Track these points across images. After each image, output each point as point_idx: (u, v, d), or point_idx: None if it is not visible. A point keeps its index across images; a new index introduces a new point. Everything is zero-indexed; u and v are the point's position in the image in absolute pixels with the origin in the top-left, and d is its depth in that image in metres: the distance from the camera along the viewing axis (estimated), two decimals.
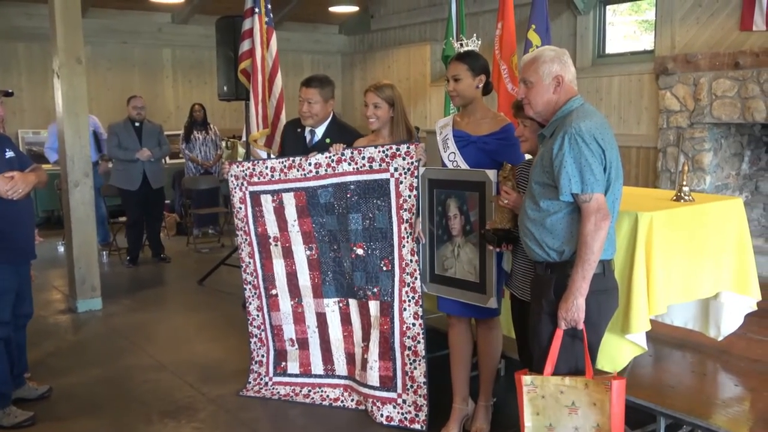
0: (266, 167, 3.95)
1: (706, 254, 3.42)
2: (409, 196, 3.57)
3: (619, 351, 3.20)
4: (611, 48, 8.37)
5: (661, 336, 3.80)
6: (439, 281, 3.48)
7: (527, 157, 3.23)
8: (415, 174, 3.54)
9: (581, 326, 2.58)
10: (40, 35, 8.32)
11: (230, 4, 8.82)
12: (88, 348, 5.01)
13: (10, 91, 4.47)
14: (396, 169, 3.58)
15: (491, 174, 3.15)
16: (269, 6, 5.91)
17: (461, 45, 3.52)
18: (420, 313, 3.65)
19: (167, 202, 8.83)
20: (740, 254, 3.56)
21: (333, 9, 10.90)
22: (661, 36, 7.41)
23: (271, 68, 5.84)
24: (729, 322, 3.61)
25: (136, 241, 7.65)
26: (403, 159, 3.55)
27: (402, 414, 3.70)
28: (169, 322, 5.63)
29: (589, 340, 2.64)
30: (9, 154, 3.82)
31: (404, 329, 3.68)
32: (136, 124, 7.45)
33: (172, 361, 4.68)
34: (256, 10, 5.81)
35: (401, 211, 3.59)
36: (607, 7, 8.34)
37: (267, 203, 3.97)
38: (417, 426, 3.65)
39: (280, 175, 3.91)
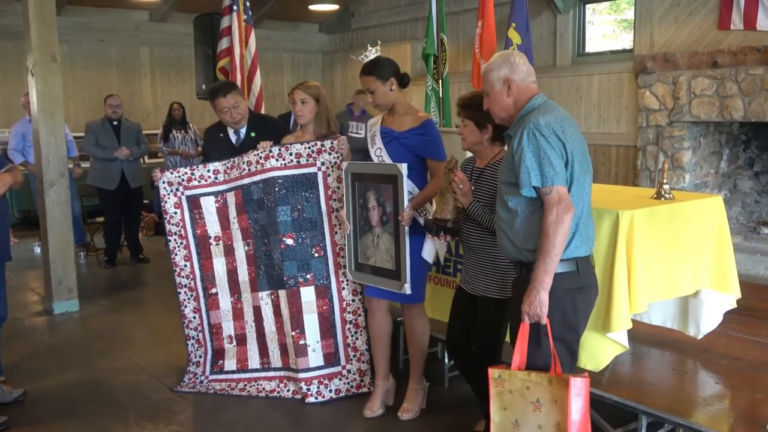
0: (208, 170, 4.11)
1: (687, 252, 3.43)
2: (338, 188, 3.89)
3: (601, 350, 3.20)
4: (591, 47, 8.40)
5: (641, 335, 3.80)
6: (362, 270, 3.70)
7: (467, 154, 3.38)
8: (342, 167, 3.80)
9: (544, 321, 2.55)
10: (15, 33, 8.18)
11: (208, 1, 8.74)
12: (64, 350, 4.94)
13: None
14: (323, 164, 3.89)
15: (402, 167, 3.34)
16: (248, 3, 5.87)
17: (365, 56, 3.55)
18: (359, 290, 3.98)
19: (146, 201, 8.72)
20: (720, 252, 3.57)
21: (313, 7, 10.85)
22: (640, 35, 7.44)
23: (249, 66, 5.81)
24: (709, 320, 3.62)
25: (114, 242, 7.54)
26: (329, 154, 3.88)
27: (348, 383, 4.01)
28: (148, 323, 5.56)
29: (568, 339, 2.64)
30: None
31: (344, 306, 3.99)
32: (114, 122, 7.35)
33: (150, 363, 4.62)
34: (234, 7, 5.78)
35: (330, 201, 3.93)
36: (587, 6, 8.37)
37: (209, 205, 4.13)
38: (365, 389, 3.98)
39: (224, 176, 4.08)
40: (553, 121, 2.55)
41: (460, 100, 3.21)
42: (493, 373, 2.63)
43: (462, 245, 3.32)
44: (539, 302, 2.52)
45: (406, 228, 3.39)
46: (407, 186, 3.37)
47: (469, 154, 3.35)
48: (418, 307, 3.69)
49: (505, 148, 3.18)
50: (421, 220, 3.43)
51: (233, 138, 4.41)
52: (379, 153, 3.56)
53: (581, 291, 2.67)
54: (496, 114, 2.77)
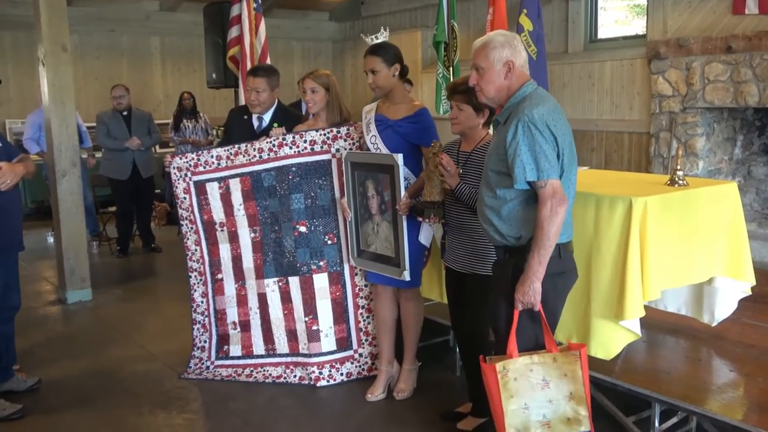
0: (212, 156, 4.13)
1: (701, 238, 3.40)
2: None
3: (613, 337, 3.19)
4: (603, 33, 8.31)
5: (654, 322, 3.78)
6: (364, 256, 3.77)
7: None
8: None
9: (538, 308, 2.61)
10: (26, 23, 8.20)
11: None
12: (77, 339, 4.97)
13: None
14: (338, 150, 3.87)
15: (398, 158, 3.39)
16: None
17: (374, 38, 3.56)
18: None
19: (157, 191, 8.75)
20: (735, 239, 3.54)
21: None
22: (653, 20, 7.37)
23: (260, 55, 5.80)
24: (723, 307, 3.60)
25: (126, 231, 7.58)
26: (344, 140, 3.86)
27: (360, 367, 4.07)
28: (160, 312, 5.58)
29: (547, 321, 2.68)
30: None
31: (356, 291, 4.03)
32: (124, 113, 7.36)
33: (163, 352, 4.64)
34: None
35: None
36: None
37: (213, 191, 4.14)
38: (376, 373, 3.96)
39: (226, 162, 4.10)
40: (546, 114, 2.58)
41: (455, 85, 3.24)
42: (498, 367, 2.64)
43: (448, 225, 3.39)
44: (533, 291, 2.59)
45: (404, 216, 3.44)
46: (404, 174, 3.43)
47: (452, 138, 3.42)
48: (415, 291, 3.78)
49: (491, 131, 3.20)
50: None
51: (255, 123, 4.48)
52: (374, 140, 3.61)
53: (561, 275, 2.72)
54: (486, 92, 2.75)
